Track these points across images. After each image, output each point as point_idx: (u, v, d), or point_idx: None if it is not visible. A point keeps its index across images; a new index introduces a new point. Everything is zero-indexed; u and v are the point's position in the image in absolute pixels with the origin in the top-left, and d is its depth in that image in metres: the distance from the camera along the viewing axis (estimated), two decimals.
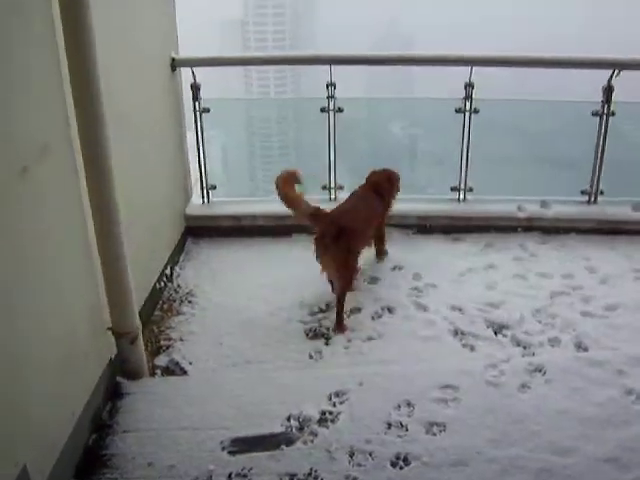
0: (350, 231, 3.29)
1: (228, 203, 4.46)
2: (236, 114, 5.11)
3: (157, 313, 3.51)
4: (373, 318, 3.43)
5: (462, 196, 4.45)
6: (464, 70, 4.17)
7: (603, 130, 4.22)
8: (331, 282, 3.54)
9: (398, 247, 4.13)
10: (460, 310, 3.48)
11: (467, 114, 4.23)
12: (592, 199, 4.43)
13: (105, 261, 2.53)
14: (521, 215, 4.33)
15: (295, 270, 3.84)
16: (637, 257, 4.10)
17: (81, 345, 2.43)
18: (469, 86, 4.20)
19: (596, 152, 4.27)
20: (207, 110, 4.24)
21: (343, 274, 3.35)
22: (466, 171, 4.37)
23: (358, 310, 3.49)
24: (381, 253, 4.02)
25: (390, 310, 3.49)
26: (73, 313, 2.40)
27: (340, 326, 3.32)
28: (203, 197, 4.41)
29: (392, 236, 4.19)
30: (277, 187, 3.36)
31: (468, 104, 4.22)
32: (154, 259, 3.61)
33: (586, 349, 3.17)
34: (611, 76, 4.11)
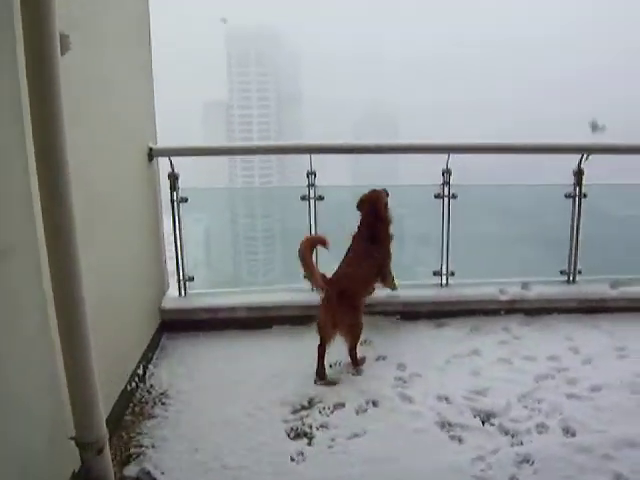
0: (351, 292, 3.72)
1: (206, 295, 4.48)
2: (217, 203, 5.21)
3: (127, 417, 3.37)
4: (357, 413, 3.40)
5: (445, 281, 4.53)
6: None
7: (576, 211, 4.38)
8: (322, 339, 3.72)
9: (382, 335, 4.17)
10: (447, 400, 3.47)
11: (446, 200, 4.39)
12: (571, 279, 4.55)
13: (69, 363, 2.39)
14: (503, 298, 4.41)
15: (276, 365, 3.85)
16: (619, 334, 4.18)
17: (40, 457, 2.30)
18: (446, 172, 4.38)
19: (571, 233, 4.43)
20: (185, 200, 4.34)
21: (351, 331, 3.73)
22: (447, 256, 4.49)
23: (342, 405, 3.46)
24: (391, 287, 4.24)
25: (375, 403, 3.46)
26: (31, 421, 2.25)
27: (355, 363, 3.79)
28: (180, 289, 4.43)
29: (377, 324, 4.24)
30: (300, 249, 3.61)
31: (446, 190, 4.40)
32: (125, 358, 3.52)
33: (573, 434, 3.15)
34: (580, 160, 4.32)
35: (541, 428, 3.21)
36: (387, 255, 4.08)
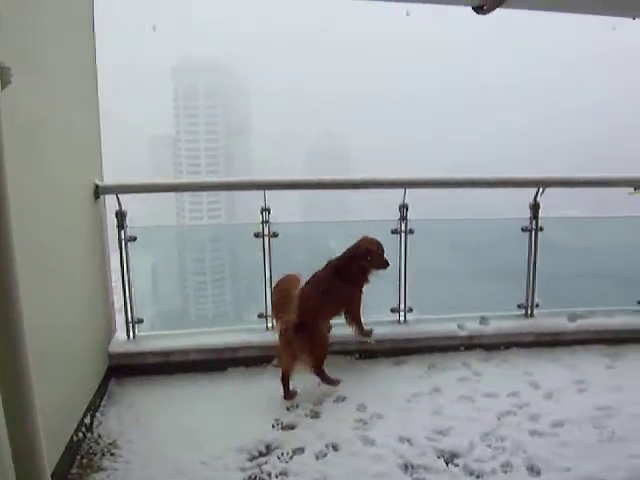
0: (307, 321, 3.77)
1: (156, 337, 4.33)
2: (166, 242, 5.11)
3: (74, 471, 3.20)
4: (317, 458, 3.31)
5: (403, 317, 4.52)
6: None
7: (533, 245, 4.48)
8: (283, 371, 3.86)
9: (341, 375, 4.09)
10: (409, 441, 3.42)
11: (403, 235, 4.41)
12: (529, 312, 4.62)
13: (10, 415, 2.24)
14: (462, 333, 4.43)
15: (232, 409, 3.74)
16: (579, 368, 4.25)
17: None
18: (403, 207, 4.43)
19: (528, 266, 4.51)
20: (133, 239, 4.22)
21: (310, 360, 3.83)
22: (405, 292, 4.49)
23: (301, 450, 3.37)
24: (363, 334, 4.26)
25: (335, 447, 3.39)
26: None
27: (327, 381, 3.93)
28: (128, 332, 4.28)
29: (335, 363, 4.18)
30: (284, 287, 3.79)
31: (403, 225, 4.43)
32: (72, 407, 3.36)
33: (538, 472, 3.16)
34: (536, 194, 4.44)
35: (506, 467, 3.20)
36: (356, 299, 4.19)
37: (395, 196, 4.43)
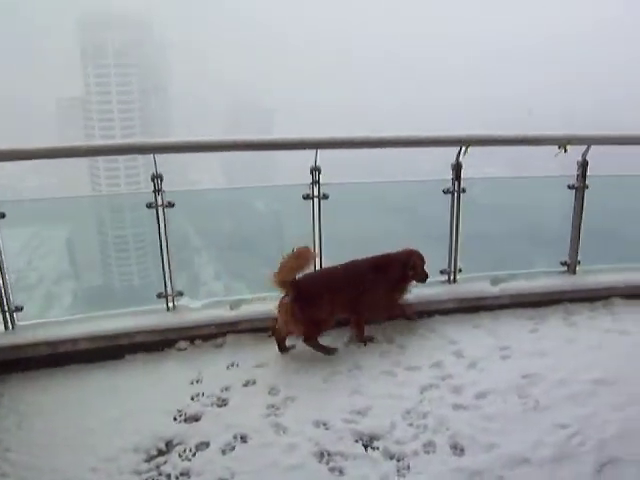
0: (312, 293, 3.79)
1: (40, 326, 3.90)
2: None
3: None
4: (224, 452, 3.06)
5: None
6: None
7: (455, 207, 4.31)
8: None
9: (249, 355, 3.86)
10: (325, 425, 3.23)
11: (316, 200, 4.16)
12: (452, 278, 4.48)
13: None
14: None
15: (129, 403, 3.44)
16: (502, 333, 4.18)
17: None
18: (315, 170, 4.13)
19: (450, 231, 4.37)
20: (2, 215, 3.72)
21: (301, 328, 3.82)
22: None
23: (206, 445, 3.11)
24: (361, 339, 4.10)
25: (244, 438, 3.15)
26: None
27: (317, 346, 3.89)
28: (6, 322, 3.84)
29: (242, 342, 3.95)
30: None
31: (316, 189, 4.15)
32: None
33: (462, 450, 3.04)
34: (458, 153, 4.25)
35: (428, 447, 3.07)
36: (382, 302, 4.14)
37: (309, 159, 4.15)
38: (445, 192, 4.35)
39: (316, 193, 4.16)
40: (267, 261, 4.04)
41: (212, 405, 3.44)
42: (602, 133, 4.52)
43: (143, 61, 50.58)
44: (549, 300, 4.57)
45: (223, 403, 3.46)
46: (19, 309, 3.84)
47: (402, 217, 4.94)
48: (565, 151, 4.34)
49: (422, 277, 4.19)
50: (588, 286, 4.65)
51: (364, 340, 4.07)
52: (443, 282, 4.51)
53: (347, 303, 3.97)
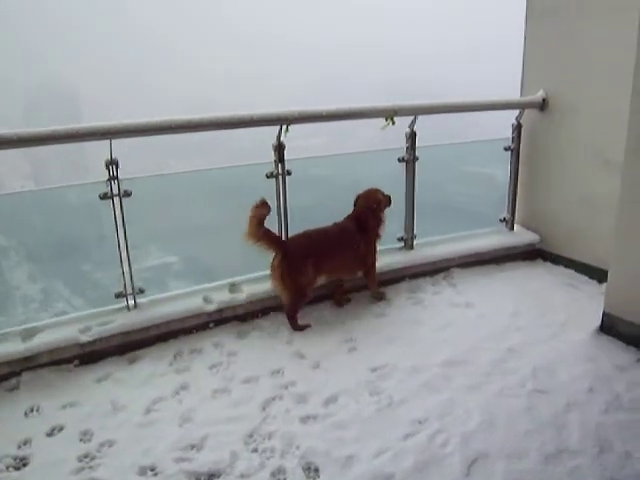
0: (302, 253, 3.80)
1: None
2: None
3: None
4: None
5: (132, 302, 3.69)
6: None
7: (281, 191, 3.92)
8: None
9: (53, 395, 3.20)
10: (153, 471, 2.69)
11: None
12: None
13: None
14: (210, 308, 3.77)
15: None
16: (345, 324, 3.90)
17: None
18: (111, 164, 3.43)
19: (279, 212, 3.95)
20: None
21: (289, 290, 3.79)
22: (130, 271, 3.65)
23: None
24: (376, 295, 4.25)
25: None
26: None
27: (295, 326, 3.84)
28: None
29: (43, 380, 3.27)
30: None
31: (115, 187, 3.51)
32: None
33: (317, 470, 2.66)
34: (280, 132, 3.84)
35: (278, 475, 2.65)
36: (372, 251, 4.15)
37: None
38: (269, 176, 3.95)
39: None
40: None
41: (8, 469, 2.74)
42: (428, 103, 4.35)
43: None
44: (391, 279, 4.40)
45: (22, 464, 2.77)
46: None
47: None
48: (393, 123, 4.12)
49: (387, 205, 4.23)
50: (427, 259, 4.54)
51: (380, 295, 4.22)
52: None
53: (347, 263, 4.07)
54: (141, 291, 3.70)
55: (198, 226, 4.24)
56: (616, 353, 3.40)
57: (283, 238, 3.96)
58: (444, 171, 5.06)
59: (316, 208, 4.46)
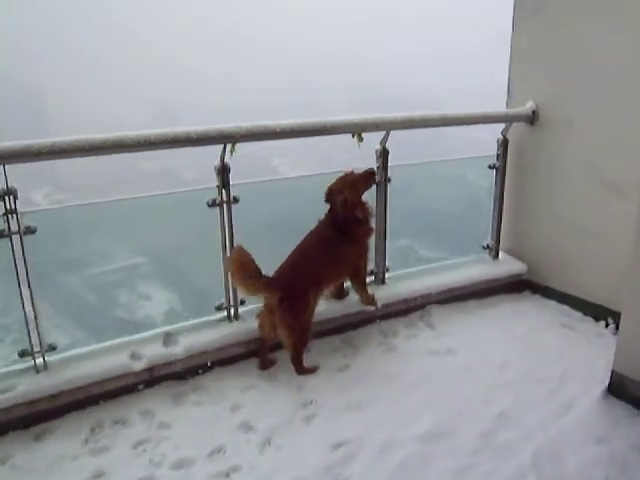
0: (295, 290, 3.24)
1: None
2: None
3: None
4: None
5: (41, 360, 2.99)
6: None
7: (227, 224, 3.29)
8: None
9: None
10: None
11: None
12: (232, 312, 3.45)
13: None
14: (138, 366, 3.08)
15: None
16: (304, 382, 3.26)
17: None
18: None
19: (223, 248, 3.29)
20: None
21: (290, 335, 3.26)
22: (36, 327, 2.95)
23: None
24: (367, 302, 3.75)
25: None
26: None
27: (301, 370, 3.32)
28: None
29: None
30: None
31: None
32: None
33: None
34: (223, 151, 3.18)
35: None
36: (363, 254, 3.63)
37: None
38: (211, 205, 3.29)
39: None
40: None
41: None
42: (403, 116, 3.67)
43: None
44: (359, 321, 3.77)
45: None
46: None
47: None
48: (360, 140, 3.49)
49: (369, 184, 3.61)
50: (401, 296, 3.92)
51: (372, 301, 3.74)
52: (222, 320, 3.47)
53: (337, 279, 3.64)
54: (52, 348, 3.01)
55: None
56: (631, 426, 2.79)
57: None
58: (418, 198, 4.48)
59: None
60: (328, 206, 3.49)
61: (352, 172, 3.51)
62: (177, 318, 3.49)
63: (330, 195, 3.47)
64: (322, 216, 3.50)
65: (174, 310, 3.70)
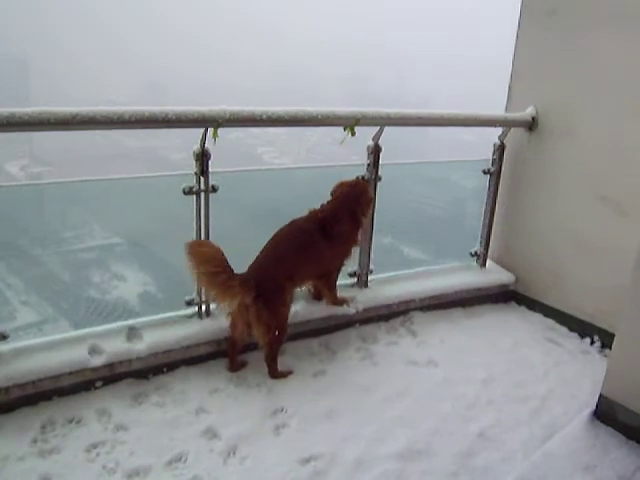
0: (270, 285, 3.02)
1: None
2: None
3: None
4: None
5: None
6: None
7: (203, 213, 3.05)
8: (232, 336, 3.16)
9: None
10: None
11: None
12: (203, 309, 3.23)
13: None
14: (97, 361, 2.85)
15: None
16: (275, 387, 3.04)
17: None
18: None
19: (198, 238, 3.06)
20: None
21: (266, 333, 3.03)
22: None
23: None
24: (333, 301, 3.57)
25: None
26: None
27: (274, 374, 3.12)
28: None
29: None
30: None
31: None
32: None
33: None
34: (204, 138, 2.93)
35: None
36: (343, 258, 3.47)
37: None
38: (187, 193, 3.04)
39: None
40: None
41: None
42: (398, 112, 3.43)
43: None
44: (338, 324, 3.57)
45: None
46: None
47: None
48: (353, 134, 3.27)
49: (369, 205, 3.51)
50: (383, 301, 3.73)
51: (343, 301, 3.58)
52: (192, 315, 3.24)
53: (311, 277, 3.44)
54: (3, 337, 2.77)
55: None
56: (618, 455, 2.62)
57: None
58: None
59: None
60: (319, 200, 3.33)
61: (367, 183, 3.51)
62: (151, 300, 3.27)
63: (353, 188, 3.40)
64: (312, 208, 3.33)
65: (148, 292, 3.47)
